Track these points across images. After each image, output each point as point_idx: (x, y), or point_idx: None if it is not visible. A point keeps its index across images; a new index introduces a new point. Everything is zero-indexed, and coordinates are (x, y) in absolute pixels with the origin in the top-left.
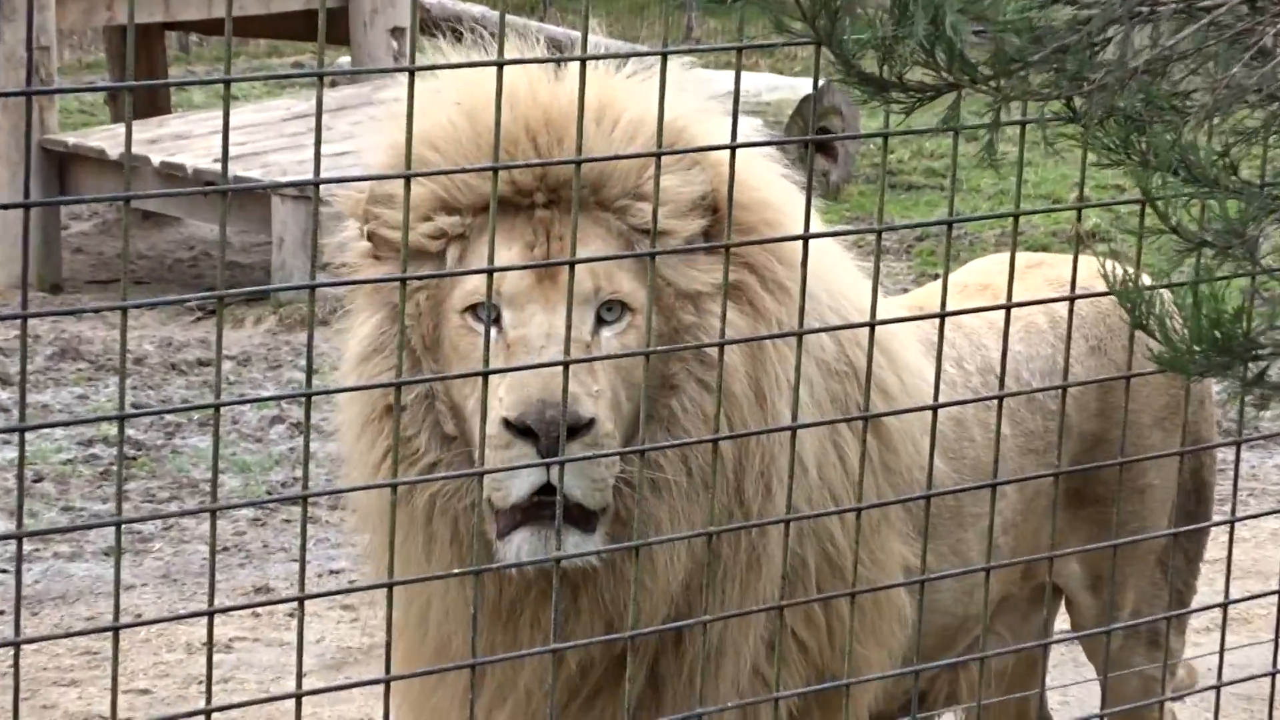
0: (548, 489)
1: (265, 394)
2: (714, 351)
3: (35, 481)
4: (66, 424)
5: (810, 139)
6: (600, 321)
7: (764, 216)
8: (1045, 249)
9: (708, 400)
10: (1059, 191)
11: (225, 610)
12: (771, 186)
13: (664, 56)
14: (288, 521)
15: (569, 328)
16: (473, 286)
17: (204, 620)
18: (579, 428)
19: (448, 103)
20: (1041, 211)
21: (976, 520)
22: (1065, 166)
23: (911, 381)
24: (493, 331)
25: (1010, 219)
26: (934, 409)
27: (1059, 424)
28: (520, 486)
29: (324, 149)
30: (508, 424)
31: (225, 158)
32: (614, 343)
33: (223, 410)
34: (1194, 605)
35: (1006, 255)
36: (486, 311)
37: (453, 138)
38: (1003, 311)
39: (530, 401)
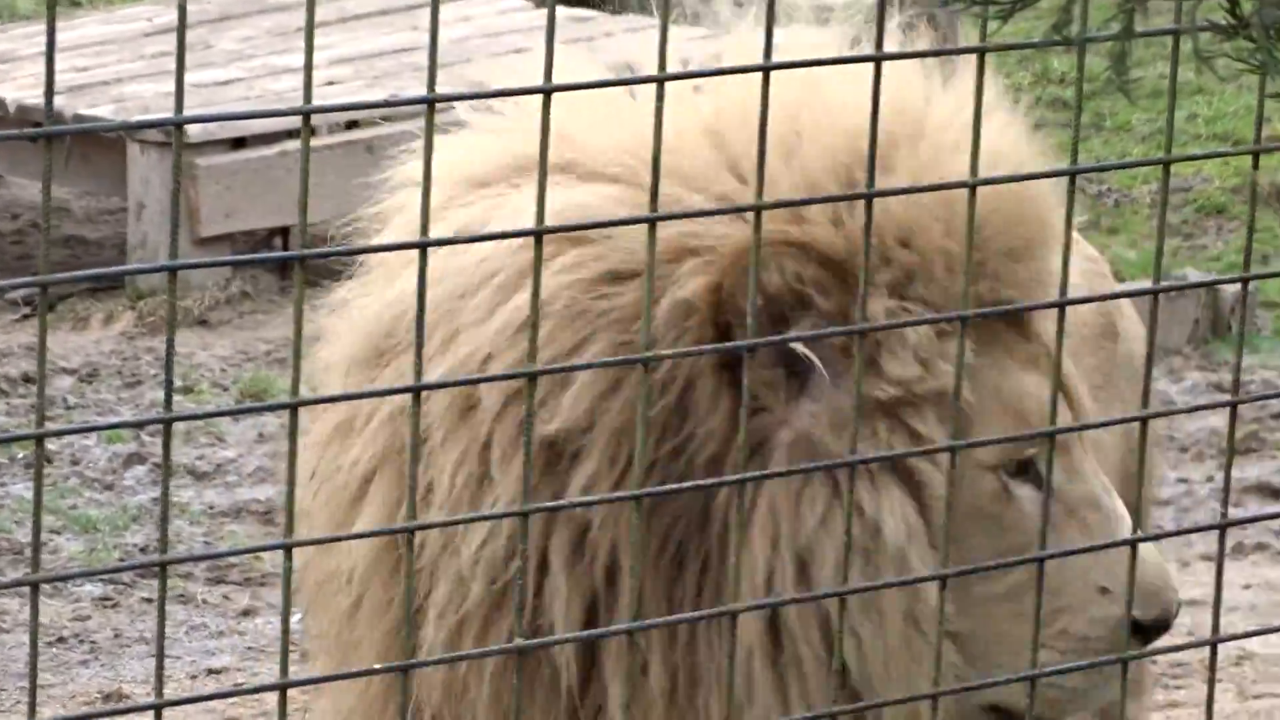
0: None
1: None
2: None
3: None
4: None
5: (878, 56)
6: None
7: None
8: (1221, 212)
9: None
10: (1242, 130)
11: None
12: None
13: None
14: (148, 601)
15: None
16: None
17: None
18: None
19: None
20: (1202, 157)
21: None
22: (1250, 95)
23: None
24: (1032, 493)
25: (1160, 167)
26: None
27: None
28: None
29: (198, 75)
30: (1139, 628)
31: (49, 88)
32: None
33: (53, 444)
34: None
35: None
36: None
37: (923, 226)
38: None
39: (1164, 593)
